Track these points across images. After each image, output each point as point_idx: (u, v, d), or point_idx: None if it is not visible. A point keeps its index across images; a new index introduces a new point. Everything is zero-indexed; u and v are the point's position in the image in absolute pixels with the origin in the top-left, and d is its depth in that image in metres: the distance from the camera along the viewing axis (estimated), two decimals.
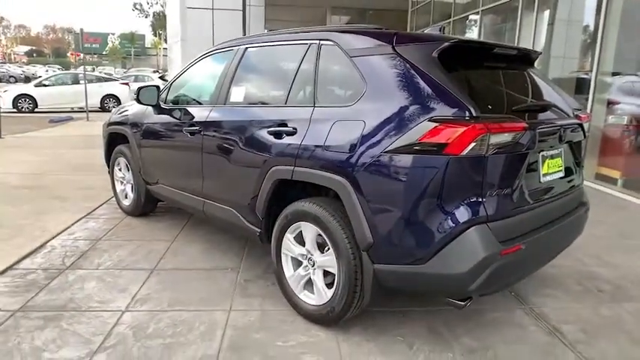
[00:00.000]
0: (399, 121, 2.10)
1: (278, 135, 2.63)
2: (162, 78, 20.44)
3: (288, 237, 2.65)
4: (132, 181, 4.24)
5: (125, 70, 35.07)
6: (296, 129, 2.54)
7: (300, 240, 2.61)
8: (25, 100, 15.03)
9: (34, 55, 75.02)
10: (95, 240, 3.77)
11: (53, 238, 3.79)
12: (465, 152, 1.96)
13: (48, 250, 3.54)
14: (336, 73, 2.54)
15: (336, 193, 2.33)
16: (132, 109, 4.17)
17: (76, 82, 15.61)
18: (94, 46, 56.71)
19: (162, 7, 51.71)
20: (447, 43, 2.18)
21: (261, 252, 3.49)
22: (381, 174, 2.13)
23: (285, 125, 2.61)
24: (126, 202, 4.42)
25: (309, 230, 2.51)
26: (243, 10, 7.48)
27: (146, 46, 64.48)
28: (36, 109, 15.01)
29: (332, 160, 2.31)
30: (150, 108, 3.82)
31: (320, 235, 2.46)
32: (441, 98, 2.04)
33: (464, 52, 2.28)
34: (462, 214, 2.01)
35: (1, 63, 48.42)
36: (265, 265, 3.31)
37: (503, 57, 2.50)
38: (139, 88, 3.62)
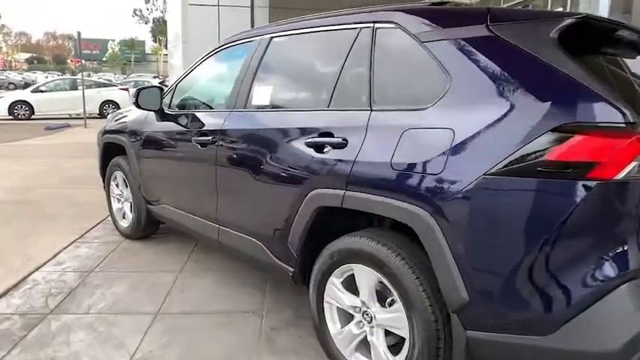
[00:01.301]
0: (510, 130, 1.47)
1: (320, 147, 2.01)
2: (162, 83, 19.87)
3: (334, 282, 2.02)
4: (130, 199, 3.61)
5: (125, 77, 34.53)
6: (346, 140, 1.91)
7: (351, 287, 1.98)
8: (22, 107, 14.45)
9: (35, 62, 74.60)
10: (87, 272, 3.14)
11: (37, 269, 3.16)
12: (620, 175, 1.33)
13: (29, 286, 2.91)
14: (402, 65, 1.91)
15: (405, 227, 1.71)
16: (130, 115, 3.56)
17: (74, 87, 15.02)
18: (94, 52, 56.29)
19: (162, 12, 51.34)
20: (570, 20, 1.55)
21: (288, 285, 2.86)
22: (482, 205, 1.50)
23: (331, 135, 1.98)
24: (124, 224, 3.79)
25: (366, 275, 1.88)
26: (252, 8, 6.89)
27: (146, 52, 64.01)
28: (32, 116, 14.42)
29: (404, 183, 1.68)
30: (151, 114, 3.20)
31: (382, 282, 1.83)
32: (576, 97, 1.41)
33: (589, 33, 1.65)
34: (611, 265, 1.38)
35: (1, 70, 47.91)
36: (295, 305, 2.68)
37: (630, 42, 1.87)
38: (139, 90, 3.00)
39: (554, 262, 1.40)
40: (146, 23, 56.89)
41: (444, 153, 1.58)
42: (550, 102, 1.43)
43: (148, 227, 3.61)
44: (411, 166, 1.67)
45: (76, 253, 3.48)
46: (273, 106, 2.41)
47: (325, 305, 2.07)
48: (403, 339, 1.78)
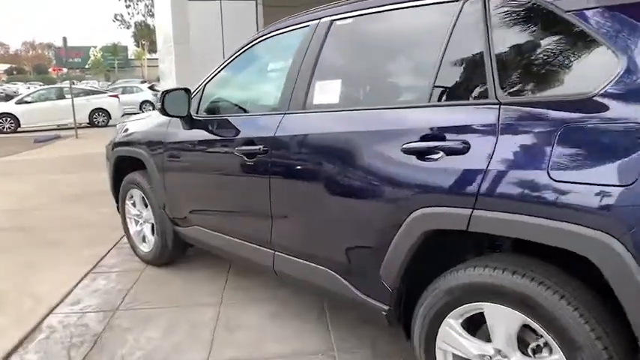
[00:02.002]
0: None
1: (424, 154, 1.56)
2: (152, 88, 19.22)
3: (452, 324, 1.57)
4: (152, 220, 3.14)
5: (110, 83, 33.66)
6: (467, 143, 1.46)
7: (477, 330, 1.54)
8: (7, 120, 13.79)
9: (14, 72, 72.91)
10: (111, 311, 2.67)
11: (51, 312, 2.68)
12: None
13: (45, 336, 2.43)
14: (538, 43, 1.46)
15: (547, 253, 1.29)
16: (147, 123, 3.08)
17: (60, 96, 14.38)
18: (76, 60, 55.03)
19: (144, 16, 50.40)
20: None
21: (352, 316, 2.42)
22: None
23: (440, 138, 1.54)
24: (144, 248, 3.32)
25: (504, 317, 1.44)
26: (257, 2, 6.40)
27: (129, 57, 62.84)
28: (19, 129, 13.76)
29: (574, 199, 1.24)
30: (175, 120, 2.73)
31: (526, 325, 1.40)
32: None
33: None
34: None
35: None
36: (369, 341, 2.25)
37: None
38: (165, 94, 2.52)
39: None
40: (128, 28, 55.77)
41: (630, 155, 1.15)
42: None
43: (174, 252, 3.14)
44: (583, 176, 1.23)
45: (93, 287, 3.00)
46: (345, 105, 1.95)
47: (438, 352, 1.64)
48: None
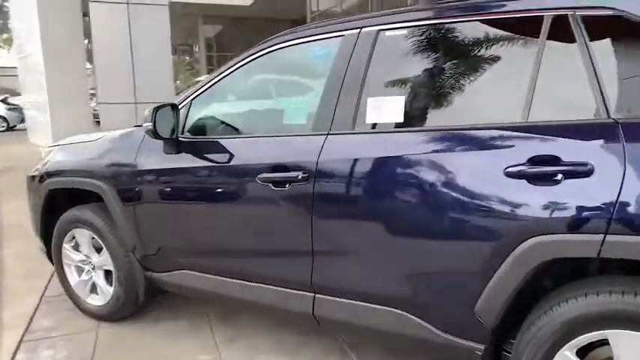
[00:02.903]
0: None
1: (534, 179, 1.46)
2: (5, 102, 16.42)
3: (568, 356, 1.48)
4: (108, 266, 2.57)
5: None
6: (590, 165, 1.39)
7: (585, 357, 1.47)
8: None
9: None
10: None
11: None
12: None
13: None
14: None
15: None
16: (103, 146, 2.52)
17: None
18: None
19: None
20: None
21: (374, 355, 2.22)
22: None
23: (554, 160, 1.44)
24: (95, 301, 2.70)
25: (633, 342, 1.38)
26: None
27: None
28: None
29: None
30: (149, 144, 2.28)
31: None
32: None
33: None
34: None
35: None
36: None
37: None
38: (156, 110, 2.05)
39: None
40: None
41: None
42: None
43: (144, 302, 2.60)
44: None
45: None
46: (415, 124, 1.76)
47: None
48: None
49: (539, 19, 1.57)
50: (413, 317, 1.73)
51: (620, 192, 1.34)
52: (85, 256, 2.68)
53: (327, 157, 1.81)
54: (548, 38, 1.55)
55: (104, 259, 2.58)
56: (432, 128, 1.72)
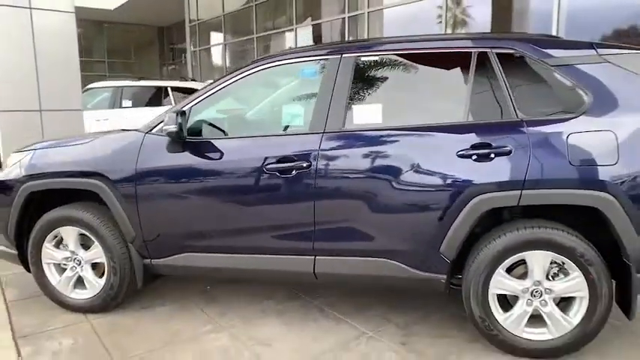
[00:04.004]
0: None
1: (481, 157, 2.23)
2: None
3: (500, 273, 2.28)
4: (99, 260, 2.77)
5: None
6: (509, 147, 2.21)
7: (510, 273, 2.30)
8: None
9: None
10: None
11: None
12: None
13: None
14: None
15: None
16: (104, 147, 2.74)
17: None
18: None
19: None
20: None
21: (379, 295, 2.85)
22: None
23: (487, 146, 2.23)
24: (82, 295, 2.85)
25: (541, 258, 2.22)
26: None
27: None
28: None
29: (590, 176, 2.13)
30: (151, 143, 2.62)
31: (555, 261, 2.23)
32: None
33: None
34: None
35: None
36: (399, 325, 2.73)
37: None
38: (179, 114, 2.40)
39: None
40: None
41: (615, 148, 2.11)
42: None
43: (142, 286, 2.84)
44: (590, 160, 2.14)
45: (47, 354, 2.46)
46: (393, 125, 2.42)
47: (490, 295, 2.30)
48: (569, 298, 2.25)
49: (471, 53, 2.37)
50: (395, 262, 2.39)
51: (529, 163, 2.18)
52: (71, 252, 2.82)
53: (325, 149, 2.40)
54: (477, 65, 2.36)
55: (94, 254, 2.78)
56: (404, 127, 2.42)
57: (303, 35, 10.58)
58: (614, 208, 2.11)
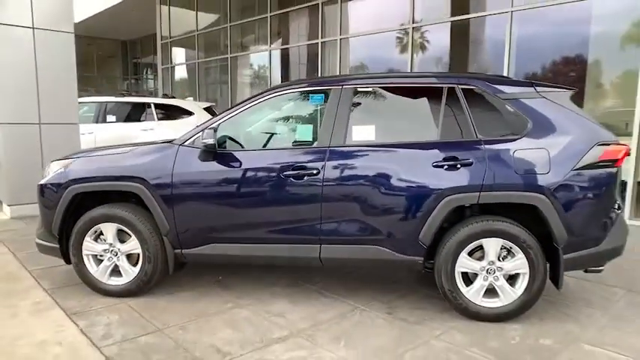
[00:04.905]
0: (577, 146, 2.92)
1: (450, 167, 2.95)
2: None
3: (464, 255, 2.99)
4: (135, 251, 3.29)
5: None
6: (471, 160, 2.95)
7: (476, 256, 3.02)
8: None
9: None
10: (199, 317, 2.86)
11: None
12: (621, 165, 2.97)
13: None
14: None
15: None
16: (143, 156, 3.29)
17: None
18: None
19: None
20: (573, 90, 3.13)
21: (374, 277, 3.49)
22: (573, 187, 2.90)
23: (455, 159, 2.96)
24: (116, 282, 3.35)
25: (494, 244, 2.94)
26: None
27: None
28: None
29: (530, 182, 2.89)
30: (184, 153, 3.20)
31: (504, 246, 2.96)
32: (598, 128, 3.00)
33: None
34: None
35: None
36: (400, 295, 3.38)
37: None
38: (215, 130, 3.02)
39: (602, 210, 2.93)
40: None
41: (548, 161, 2.89)
42: (589, 131, 2.95)
43: (173, 272, 3.38)
44: (528, 170, 2.90)
45: (104, 322, 2.96)
46: (383, 142, 3.13)
47: (456, 272, 3.00)
48: (515, 275, 2.97)
49: (442, 88, 3.11)
50: (384, 248, 3.07)
51: (485, 172, 2.92)
52: (109, 245, 3.33)
53: (330, 160, 3.06)
54: (447, 97, 3.10)
55: (131, 246, 3.30)
56: (392, 143, 3.12)
57: (277, 56, 11.29)
58: (547, 205, 2.88)
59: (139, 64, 25.16)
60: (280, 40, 11.33)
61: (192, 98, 11.94)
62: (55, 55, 5.96)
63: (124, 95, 9.59)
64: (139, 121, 8.80)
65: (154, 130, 8.43)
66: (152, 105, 8.88)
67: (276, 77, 11.31)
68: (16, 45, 5.69)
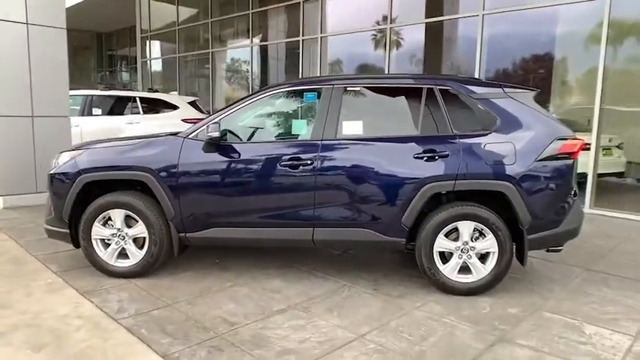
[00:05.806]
0: (540, 140, 3.34)
1: (429, 158, 3.33)
2: None
3: (440, 236, 3.37)
4: (141, 235, 3.56)
5: None
6: (447, 152, 3.33)
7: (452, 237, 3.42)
8: None
9: None
10: (201, 294, 3.15)
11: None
12: (577, 157, 3.41)
13: None
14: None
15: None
16: (150, 147, 3.56)
17: None
18: None
19: None
20: (535, 90, 3.56)
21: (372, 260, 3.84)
22: (536, 177, 3.31)
23: (433, 151, 3.35)
24: (124, 264, 3.62)
25: (469, 227, 3.33)
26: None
27: None
28: None
29: (500, 171, 3.29)
30: (189, 146, 3.49)
31: (476, 228, 3.37)
32: (557, 124, 3.43)
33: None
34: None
35: None
36: (378, 275, 3.75)
37: None
38: (218, 124, 3.31)
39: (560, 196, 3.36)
40: None
41: (514, 154, 3.30)
42: (550, 127, 3.38)
43: (177, 254, 3.67)
44: (497, 160, 3.31)
45: (117, 298, 3.23)
46: (372, 136, 3.48)
47: (434, 252, 3.39)
48: (485, 253, 3.38)
49: (422, 88, 3.49)
50: (371, 231, 3.43)
51: (459, 163, 3.31)
52: (117, 229, 3.59)
53: (323, 151, 3.40)
54: (426, 97, 3.48)
55: (137, 230, 3.57)
56: (378, 137, 3.48)
57: (258, 52, 11.53)
58: (513, 192, 3.29)
59: (114, 56, 24.92)
60: (261, 36, 11.57)
61: (176, 93, 12.08)
62: (47, 49, 6.11)
63: (109, 89, 9.69)
64: (124, 114, 8.95)
65: (139, 123, 8.60)
66: (137, 99, 9.03)
67: (257, 73, 11.57)
68: (10, 40, 5.82)
